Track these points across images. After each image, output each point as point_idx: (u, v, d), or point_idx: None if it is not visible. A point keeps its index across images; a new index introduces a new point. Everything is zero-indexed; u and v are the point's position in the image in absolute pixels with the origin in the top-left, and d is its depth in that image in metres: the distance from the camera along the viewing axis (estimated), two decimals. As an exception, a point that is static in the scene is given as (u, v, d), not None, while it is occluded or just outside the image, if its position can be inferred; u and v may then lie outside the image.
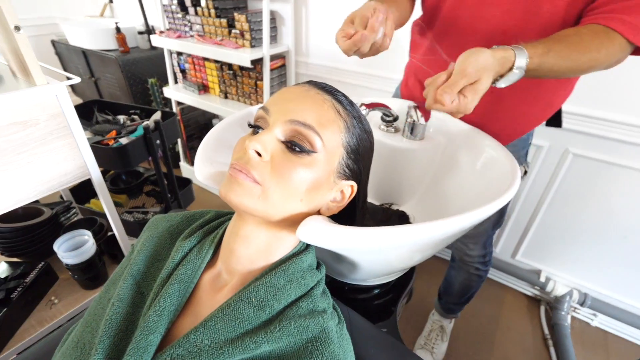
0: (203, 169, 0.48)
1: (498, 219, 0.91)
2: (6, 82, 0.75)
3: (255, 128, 0.42)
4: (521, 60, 0.50)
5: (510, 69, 0.51)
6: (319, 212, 0.44)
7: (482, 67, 0.48)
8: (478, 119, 0.71)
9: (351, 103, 0.44)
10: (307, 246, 0.46)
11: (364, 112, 0.69)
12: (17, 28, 0.63)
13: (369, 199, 0.85)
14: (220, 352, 0.36)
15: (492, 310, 1.43)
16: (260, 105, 0.43)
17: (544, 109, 0.74)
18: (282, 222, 0.41)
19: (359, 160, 0.44)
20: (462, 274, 1.08)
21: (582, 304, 1.35)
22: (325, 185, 0.41)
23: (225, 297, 0.42)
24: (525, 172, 0.84)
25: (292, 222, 0.41)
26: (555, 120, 0.78)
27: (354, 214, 0.50)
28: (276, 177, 0.38)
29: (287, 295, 0.40)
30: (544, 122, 0.78)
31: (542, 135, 1.20)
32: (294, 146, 0.39)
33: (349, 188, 0.44)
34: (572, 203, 1.25)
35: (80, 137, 0.76)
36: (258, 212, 0.39)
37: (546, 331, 1.34)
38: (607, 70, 0.93)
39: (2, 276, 0.90)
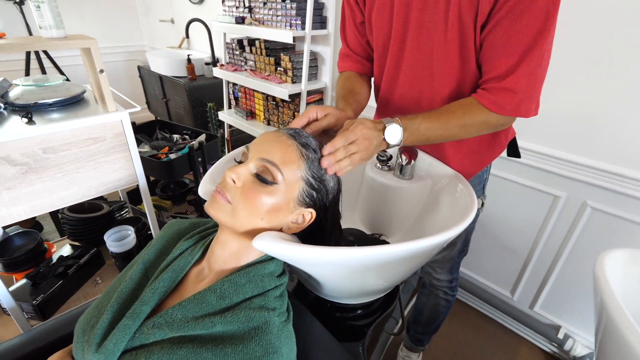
0: (205, 186, 0.63)
1: (463, 247, 0.99)
2: (91, 106, 1.00)
3: (239, 162, 0.55)
4: (391, 126, 0.62)
5: (384, 128, 0.61)
6: (280, 230, 0.55)
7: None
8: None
9: (317, 147, 0.55)
10: (273, 257, 0.57)
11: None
12: (101, 71, 0.85)
13: (362, 228, 0.94)
14: (186, 325, 0.48)
15: (503, 361, 1.38)
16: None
17: (489, 150, 0.84)
18: (249, 233, 0.53)
19: (320, 192, 0.55)
20: (432, 299, 1.14)
21: (602, 369, 1.25)
22: (285, 209, 0.53)
23: (203, 287, 0.54)
24: (483, 204, 0.93)
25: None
26: (513, 152, 0.90)
27: (323, 236, 0.61)
28: (243, 199, 0.50)
29: (245, 292, 0.52)
30: (505, 154, 0.90)
31: (560, 185, 1.19)
32: (261, 178, 0.51)
33: (309, 214, 0.55)
34: (594, 258, 1.20)
35: (135, 152, 0.96)
36: (228, 224, 0.51)
37: (559, 393, 1.26)
38: (630, 129, 1.01)
39: (65, 255, 1.13)
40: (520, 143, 1.20)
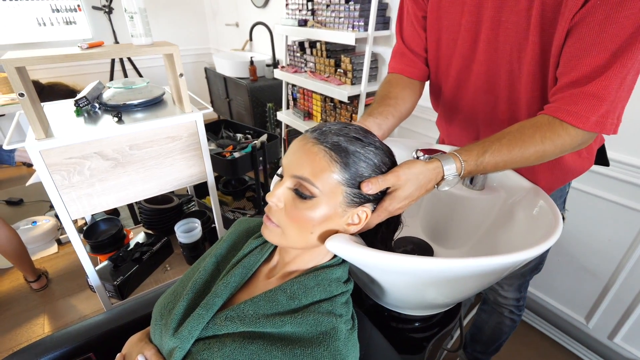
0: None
1: (537, 265, 0.91)
2: (169, 106, 1.08)
3: (281, 177, 0.54)
4: (449, 167, 0.54)
5: (443, 177, 0.55)
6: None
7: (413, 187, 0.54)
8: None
9: (352, 139, 0.49)
10: (342, 262, 0.57)
11: (422, 159, 0.76)
12: (181, 75, 0.92)
13: (423, 237, 0.90)
14: (257, 321, 0.50)
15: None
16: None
17: (579, 160, 0.75)
18: (307, 246, 0.53)
19: None
20: (495, 317, 1.05)
21: (700, 419, 1.07)
22: (333, 216, 0.50)
23: (272, 285, 0.56)
24: (563, 219, 0.83)
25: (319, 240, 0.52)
26: (601, 160, 0.78)
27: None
28: (289, 220, 0.50)
29: (313, 295, 0.52)
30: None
31: (655, 202, 1.05)
32: (299, 193, 0.49)
33: (363, 213, 0.52)
34: (695, 290, 1.04)
35: (206, 151, 1.03)
36: (282, 244, 0.53)
37: None
38: None
39: (140, 242, 1.25)
40: (608, 153, 1.08)
